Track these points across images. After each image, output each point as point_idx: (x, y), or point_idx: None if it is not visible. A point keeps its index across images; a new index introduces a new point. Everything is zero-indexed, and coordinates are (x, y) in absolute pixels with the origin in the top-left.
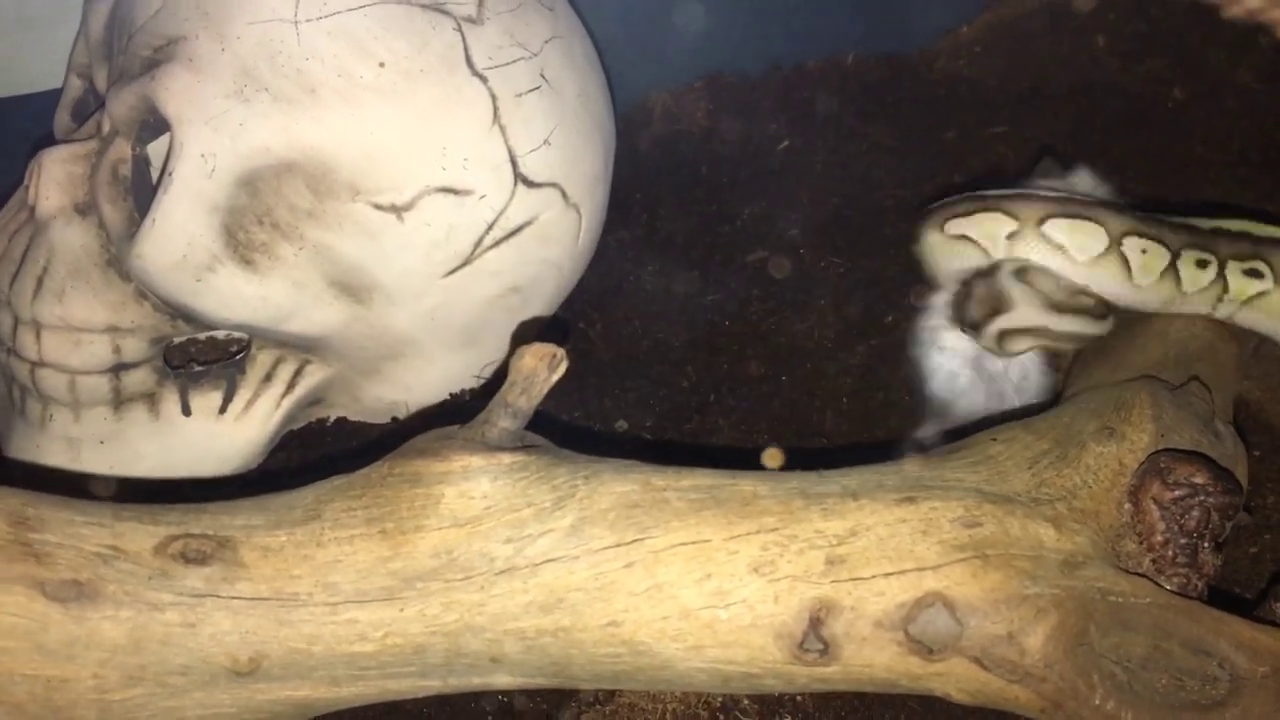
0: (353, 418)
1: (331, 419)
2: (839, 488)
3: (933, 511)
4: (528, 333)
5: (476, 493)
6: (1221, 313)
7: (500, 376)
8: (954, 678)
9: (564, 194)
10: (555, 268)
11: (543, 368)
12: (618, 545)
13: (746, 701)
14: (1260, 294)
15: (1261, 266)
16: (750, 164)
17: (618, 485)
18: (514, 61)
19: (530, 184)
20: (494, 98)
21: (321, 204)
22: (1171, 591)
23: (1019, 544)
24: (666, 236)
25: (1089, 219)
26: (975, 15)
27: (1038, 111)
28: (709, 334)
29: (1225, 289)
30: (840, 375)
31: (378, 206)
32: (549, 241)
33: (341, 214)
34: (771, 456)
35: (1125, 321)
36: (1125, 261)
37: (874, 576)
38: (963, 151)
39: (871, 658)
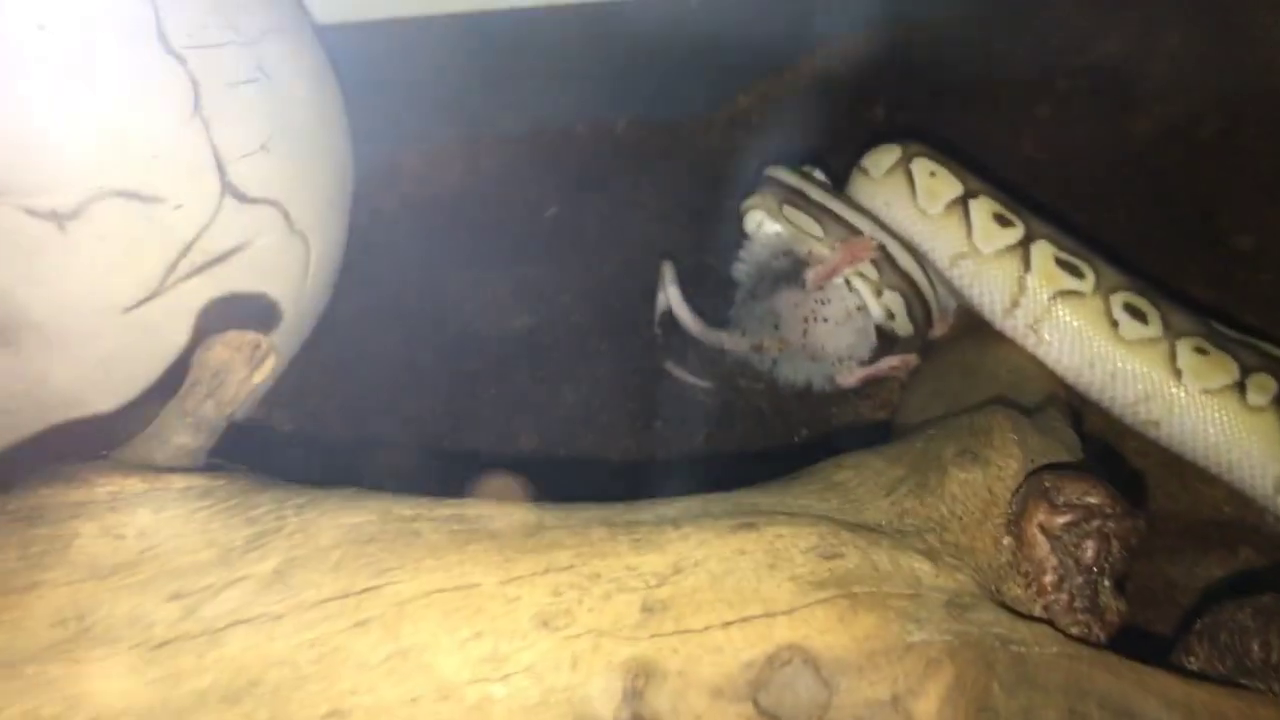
0: None
1: None
2: (653, 515)
3: (779, 540)
4: (218, 315)
5: (129, 529)
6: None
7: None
8: None
9: (287, 216)
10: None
11: (240, 362)
12: (344, 596)
13: None
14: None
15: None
16: (515, 230)
17: (347, 515)
18: (223, 45)
19: (242, 198)
20: (195, 83)
21: None
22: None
23: (892, 579)
24: (415, 305)
25: None
26: (750, 84)
27: None
28: (470, 406)
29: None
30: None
31: (31, 212)
32: (267, 276)
33: None
34: None
35: (952, 364)
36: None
37: (708, 627)
38: None
39: None
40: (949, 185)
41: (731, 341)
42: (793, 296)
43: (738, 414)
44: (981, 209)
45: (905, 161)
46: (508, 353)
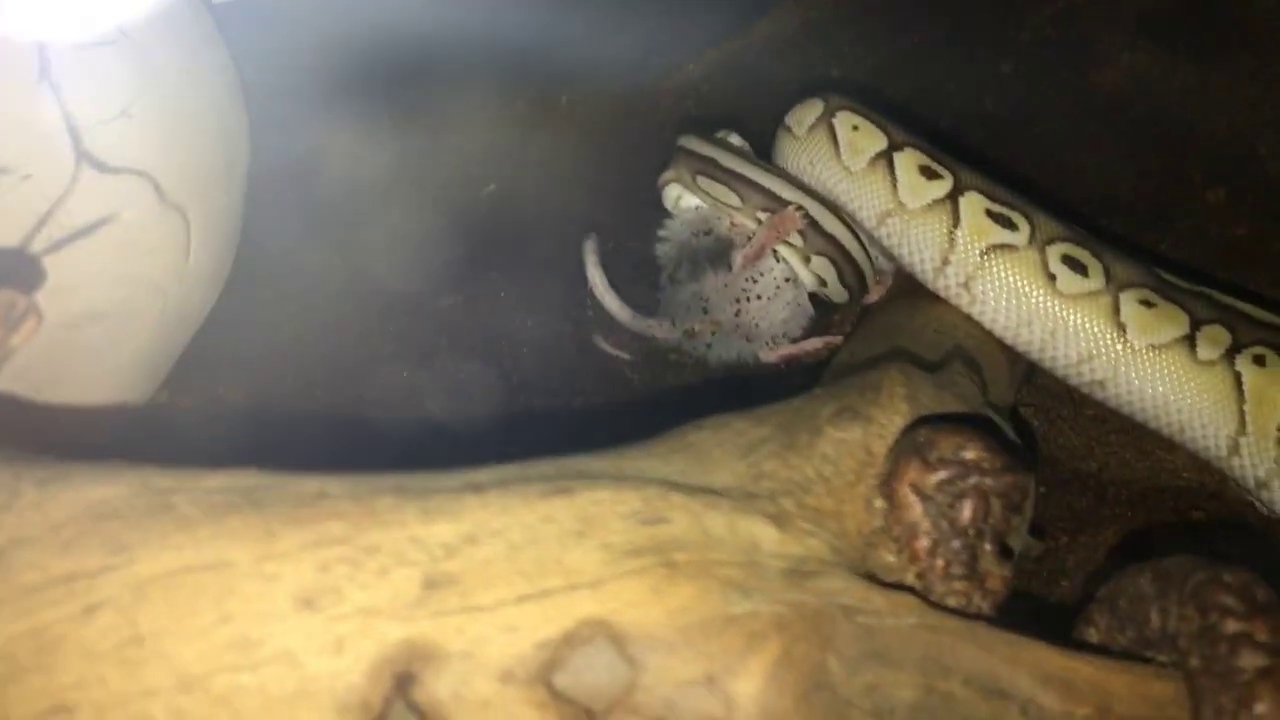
0: None
1: None
2: (459, 482)
3: (595, 506)
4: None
5: None
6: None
7: None
8: None
9: (158, 187)
10: (157, 290)
11: None
12: (71, 579)
13: None
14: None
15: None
16: (450, 209)
17: (95, 489)
18: (75, 5)
19: (102, 167)
20: (41, 46)
21: None
22: (948, 610)
23: (723, 546)
24: (339, 287)
25: None
26: (701, 53)
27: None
28: (385, 385)
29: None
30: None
31: None
32: (141, 251)
33: None
34: None
35: (879, 328)
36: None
37: (500, 603)
38: None
39: None
40: (872, 139)
41: (662, 330)
42: (720, 277)
43: (666, 390)
44: (907, 162)
45: (828, 116)
46: (429, 332)
